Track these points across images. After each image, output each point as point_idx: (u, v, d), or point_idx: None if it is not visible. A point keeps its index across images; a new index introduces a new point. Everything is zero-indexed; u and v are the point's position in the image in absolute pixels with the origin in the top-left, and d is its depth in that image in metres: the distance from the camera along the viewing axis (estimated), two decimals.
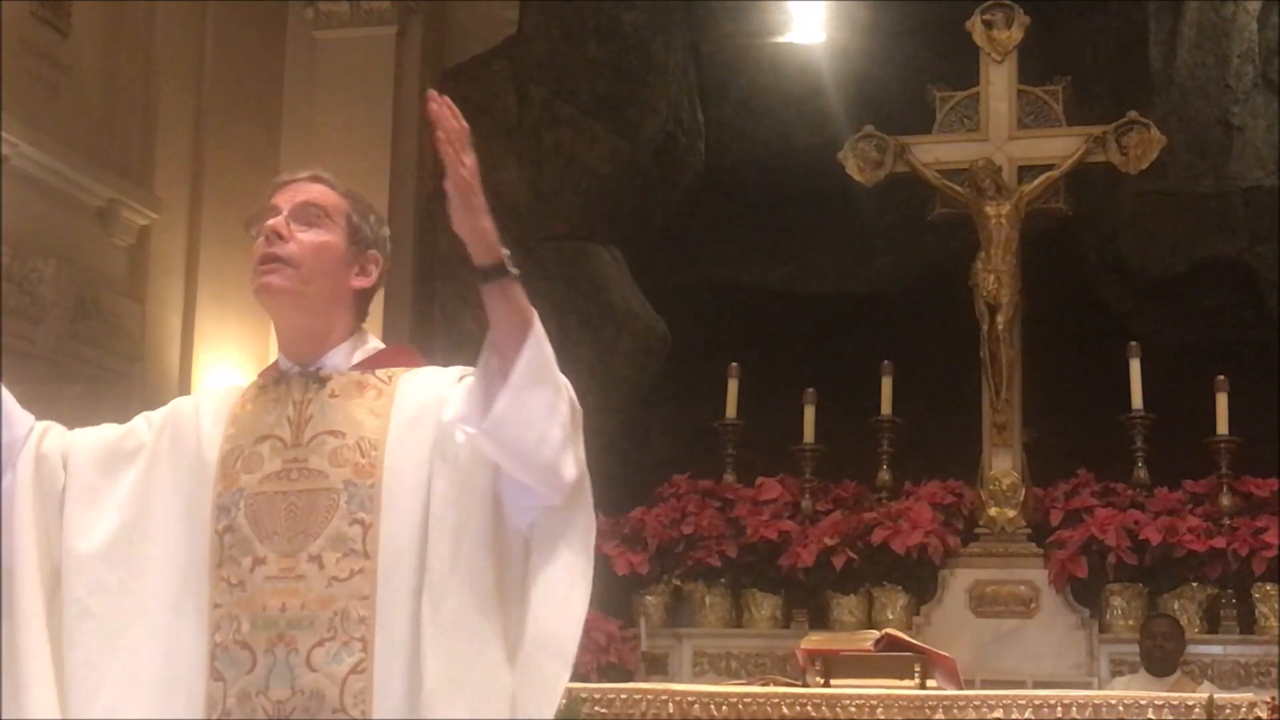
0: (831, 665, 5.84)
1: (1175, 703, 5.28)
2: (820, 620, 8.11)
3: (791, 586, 8.22)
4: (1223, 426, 8.04)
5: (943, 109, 8.73)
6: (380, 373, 2.59)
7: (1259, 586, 7.75)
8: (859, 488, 8.59)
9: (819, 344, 10.52)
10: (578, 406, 2.44)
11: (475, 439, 2.40)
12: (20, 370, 7.66)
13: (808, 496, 8.42)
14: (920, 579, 8.09)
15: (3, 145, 7.32)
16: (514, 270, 2.40)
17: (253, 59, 9.61)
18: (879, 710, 5.37)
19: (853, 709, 5.38)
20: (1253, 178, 10.43)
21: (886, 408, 8.48)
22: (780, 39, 11.57)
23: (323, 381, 2.58)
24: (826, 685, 5.69)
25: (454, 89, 10.18)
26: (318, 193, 2.61)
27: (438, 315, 9.78)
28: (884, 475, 8.45)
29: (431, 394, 2.55)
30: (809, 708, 5.41)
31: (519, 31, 10.28)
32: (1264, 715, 5.26)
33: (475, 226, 2.38)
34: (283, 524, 2.48)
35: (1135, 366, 8.19)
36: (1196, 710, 5.21)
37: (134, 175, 8.46)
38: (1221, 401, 8.04)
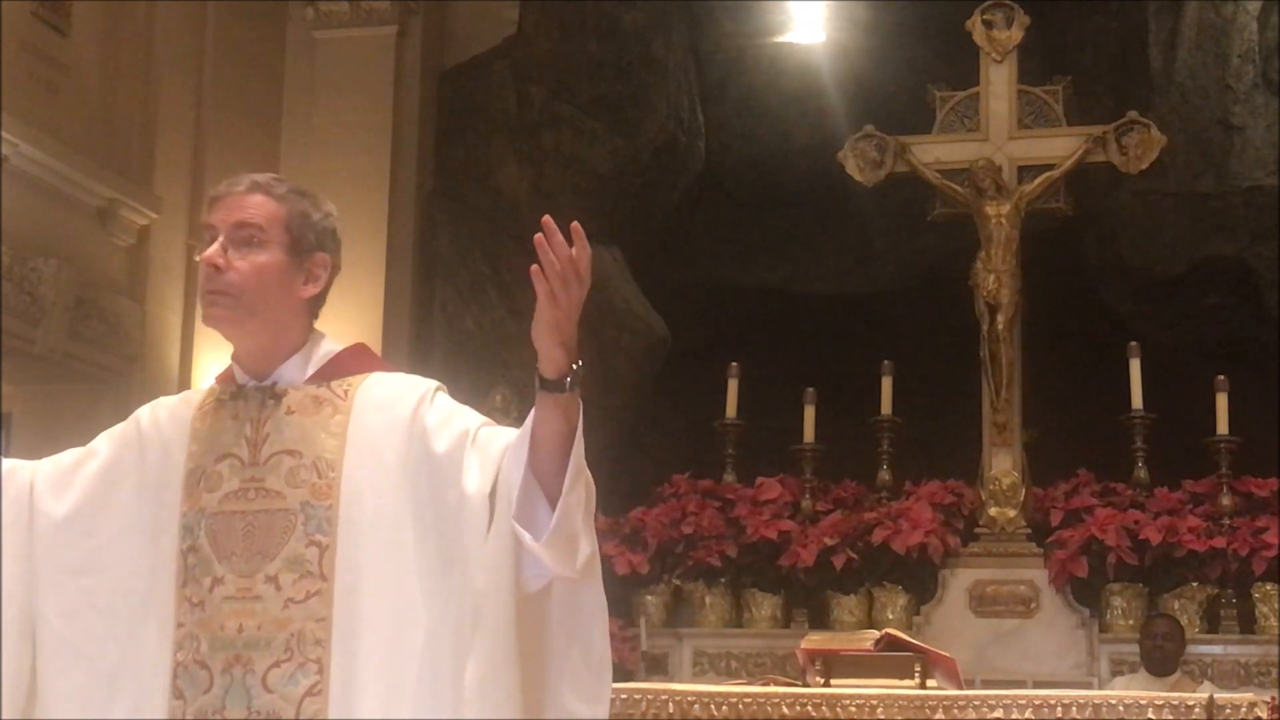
0: (831, 665, 5.83)
1: (1175, 703, 5.28)
2: (820, 620, 8.11)
3: (791, 586, 8.21)
4: (1223, 426, 8.04)
5: (943, 109, 8.73)
6: (337, 385, 2.57)
7: (1259, 586, 7.74)
8: (859, 488, 8.58)
9: (819, 344, 10.52)
10: (592, 485, 2.44)
11: (530, 547, 2.38)
12: (20, 370, 7.67)
13: (808, 496, 8.42)
14: (920, 579, 8.09)
15: (3, 145, 7.32)
16: (576, 385, 2.37)
17: (253, 59, 9.61)
18: (879, 710, 5.36)
19: (853, 709, 5.37)
20: (1253, 178, 10.44)
21: (886, 408, 8.48)
22: (780, 39, 11.58)
23: (278, 397, 2.56)
24: (826, 685, 5.68)
25: (454, 89, 10.23)
26: (253, 207, 2.54)
27: (438, 315, 9.78)
28: (884, 475, 8.45)
29: (394, 412, 2.53)
30: (809, 708, 5.40)
31: (519, 31, 10.28)
32: (1264, 715, 5.26)
33: (557, 344, 2.34)
34: (240, 544, 2.47)
35: (1135, 366, 8.19)
36: (1196, 710, 5.20)
37: (134, 175, 8.47)
38: (1221, 401, 8.04)
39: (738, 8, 11.40)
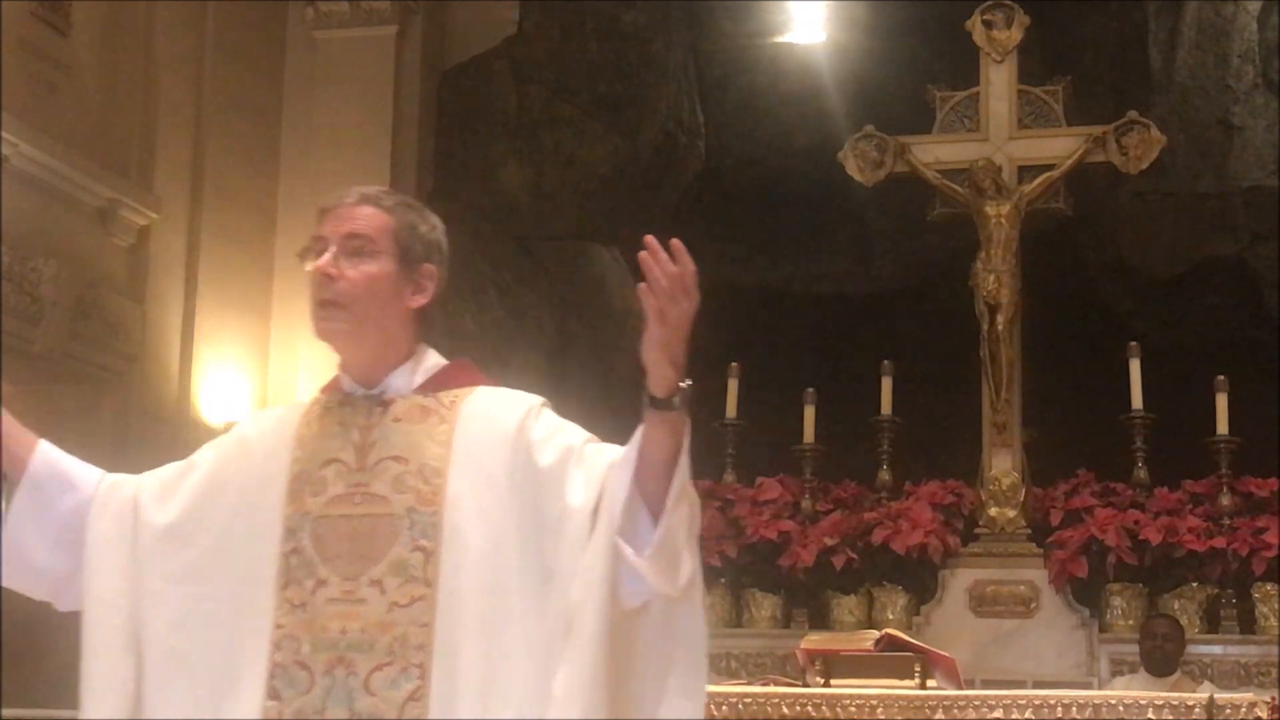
0: (831, 665, 5.83)
1: (1175, 703, 5.28)
2: (820, 620, 8.10)
3: (791, 586, 8.21)
4: (1223, 426, 8.03)
5: (943, 109, 8.73)
6: (444, 396, 2.60)
7: (1259, 586, 7.74)
8: (859, 488, 8.57)
9: (819, 344, 10.52)
10: (697, 504, 2.44)
11: (632, 563, 2.39)
12: (20, 370, 7.67)
13: (808, 496, 8.41)
14: (920, 579, 8.08)
15: (3, 145, 7.32)
16: (685, 404, 2.37)
17: (253, 59, 9.61)
18: (879, 710, 5.37)
19: (853, 709, 5.37)
20: (1253, 178, 10.45)
21: (886, 408, 8.47)
22: (780, 39, 11.59)
23: (386, 405, 2.59)
24: (826, 685, 5.68)
25: (454, 89, 10.23)
26: (364, 219, 2.59)
27: (438, 315, 9.78)
28: (884, 475, 8.44)
29: (499, 424, 2.55)
30: (809, 708, 5.41)
31: (519, 31, 10.28)
32: (1264, 715, 5.26)
33: (667, 360, 2.35)
34: (346, 547, 2.50)
35: (1135, 366, 8.18)
36: (1196, 710, 5.21)
37: (134, 175, 8.47)
38: (1221, 401, 8.03)
39: (738, 8, 11.41)
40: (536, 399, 2.60)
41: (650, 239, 2.33)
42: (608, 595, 2.40)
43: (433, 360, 2.66)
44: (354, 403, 2.60)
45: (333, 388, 2.66)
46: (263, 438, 2.65)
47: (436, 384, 2.62)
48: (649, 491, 2.38)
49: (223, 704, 2.50)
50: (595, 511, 2.43)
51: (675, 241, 2.35)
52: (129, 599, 2.57)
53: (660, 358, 2.34)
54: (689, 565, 2.41)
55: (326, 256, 2.55)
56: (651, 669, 2.47)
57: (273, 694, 2.46)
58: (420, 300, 2.63)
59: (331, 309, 2.55)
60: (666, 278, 2.32)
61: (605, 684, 2.39)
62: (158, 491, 2.64)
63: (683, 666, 2.49)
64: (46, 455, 2.63)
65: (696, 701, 2.50)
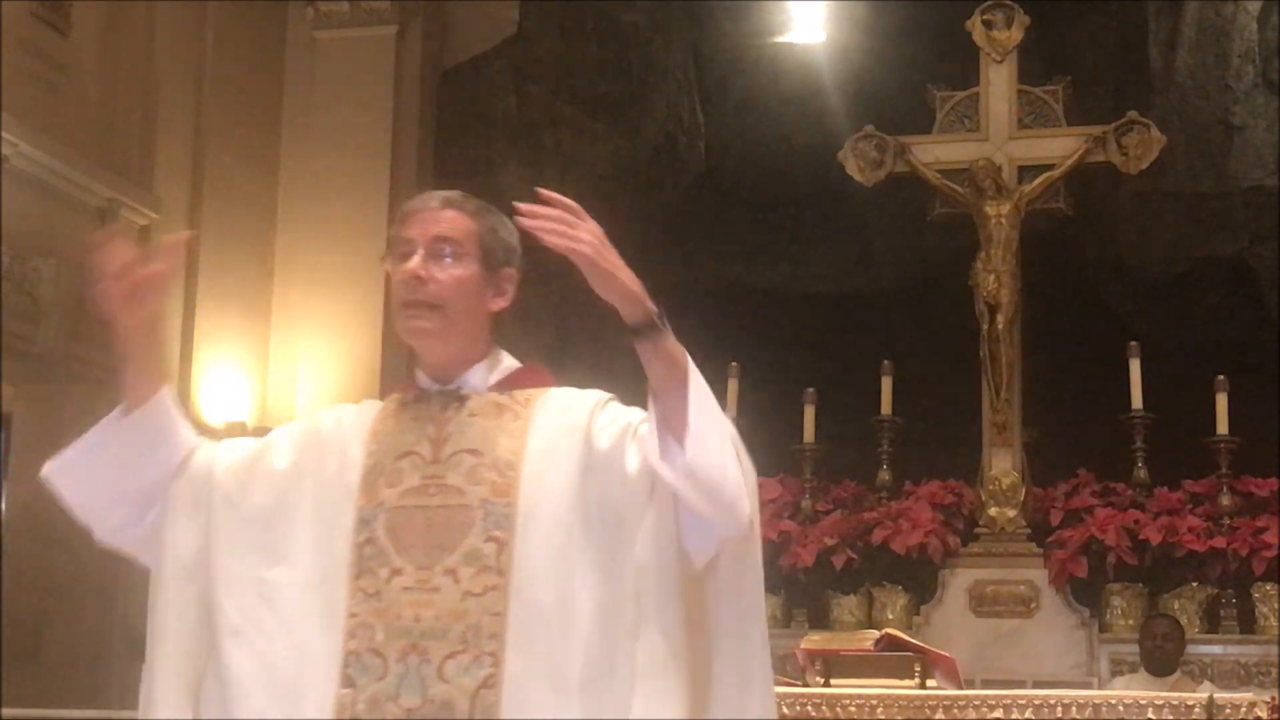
0: (831, 665, 5.83)
1: (1175, 703, 5.28)
2: (820, 620, 8.11)
3: (791, 586, 8.21)
4: (1223, 426, 8.04)
5: (943, 109, 8.73)
6: (518, 394, 2.65)
7: (1259, 586, 7.75)
8: (859, 488, 8.58)
9: (819, 344, 10.52)
10: (741, 444, 2.51)
11: (674, 485, 2.43)
12: (20, 370, 7.67)
13: (808, 496, 8.42)
14: (920, 579, 8.09)
15: (3, 145, 7.32)
16: (664, 325, 2.44)
17: (253, 59, 9.61)
18: (879, 710, 5.37)
19: (853, 709, 5.37)
20: (1253, 178, 10.45)
21: (886, 408, 8.48)
22: (780, 39, 11.60)
23: (462, 401, 2.64)
24: (826, 685, 5.68)
25: (454, 89, 10.23)
26: (449, 223, 2.64)
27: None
28: (884, 475, 8.45)
29: (570, 418, 2.60)
30: (809, 708, 5.41)
31: (519, 31, 10.29)
32: (1264, 715, 5.26)
33: (618, 289, 2.42)
34: (420, 537, 2.53)
35: (1135, 366, 8.19)
36: (1196, 710, 5.21)
37: (134, 175, 8.47)
38: (1221, 401, 8.04)
39: (738, 8, 11.41)
40: (604, 394, 2.66)
41: (517, 205, 2.41)
42: (674, 557, 2.45)
43: (508, 362, 2.71)
44: (430, 398, 2.65)
45: (407, 387, 2.71)
46: (338, 429, 2.69)
47: (511, 383, 2.67)
48: (672, 422, 2.43)
49: (295, 692, 2.52)
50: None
51: (541, 191, 2.42)
52: (204, 569, 2.60)
53: (615, 291, 2.41)
54: (746, 503, 2.46)
55: (416, 259, 2.60)
56: (724, 629, 2.51)
57: (347, 681, 2.48)
58: (500, 303, 2.67)
59: (422, 309, 2.59)
60: (553, 218, 2.38)
61: (683, 651, 2.43)
62: (233, 472, 2.66)
63: (752, 624, 2.54)
64: (163, 400, 2.67)
65: (766, 664, 2.56)
